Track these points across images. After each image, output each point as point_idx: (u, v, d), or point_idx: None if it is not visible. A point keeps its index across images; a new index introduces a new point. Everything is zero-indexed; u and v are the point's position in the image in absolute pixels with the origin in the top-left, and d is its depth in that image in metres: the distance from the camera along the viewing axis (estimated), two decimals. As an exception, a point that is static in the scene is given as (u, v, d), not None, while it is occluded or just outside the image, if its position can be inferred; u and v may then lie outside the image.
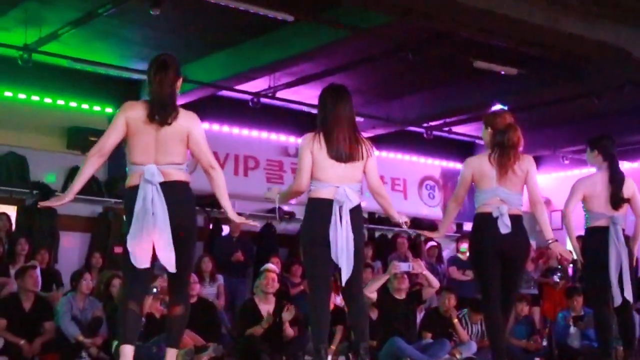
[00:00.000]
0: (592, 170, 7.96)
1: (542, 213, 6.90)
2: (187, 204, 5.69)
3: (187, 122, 5.59)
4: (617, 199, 7.44)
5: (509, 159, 6.57)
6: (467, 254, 9.82)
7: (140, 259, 5.37)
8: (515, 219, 6.60)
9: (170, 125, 5.46)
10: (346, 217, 5.92)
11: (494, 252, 6.66)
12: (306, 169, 6.02)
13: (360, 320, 6.29)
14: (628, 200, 7.50)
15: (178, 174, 5.56)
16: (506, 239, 6.56)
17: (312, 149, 5.99)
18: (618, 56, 9.70)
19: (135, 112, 5.51)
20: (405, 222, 6.49)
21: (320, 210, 6.00)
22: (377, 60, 11.60)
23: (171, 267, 5.44)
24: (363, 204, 6.10)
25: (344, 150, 5.98)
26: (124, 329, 5.55)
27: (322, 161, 5.98)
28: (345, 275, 5.95)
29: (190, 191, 5.70)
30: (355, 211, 6.02)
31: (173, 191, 5.50)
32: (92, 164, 5.51)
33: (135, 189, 5.42)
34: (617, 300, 7.34)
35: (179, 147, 5.56)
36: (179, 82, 5.69)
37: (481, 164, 6.73)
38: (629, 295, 7.32)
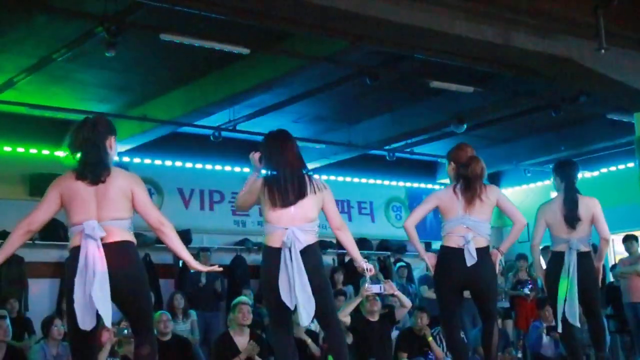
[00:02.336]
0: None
1: (517, 231, 7.02)
2: (130, 267, 5.49)
3: (129, 183, 5.48)
4: (571, 219, 7.51)
5: (475, 190, 6.71)
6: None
7: (87, 321, 5.20)
8: (481, 251, 6.68)
9: (106, 183, 5.35)
10: (297, 261, 5.94)
11: (459, 285, 6.81)
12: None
13: (337, 346, 6.31)
14: (579, 220, 7.54)
15: (121, 233, 5.40)
16: (472, 271, 6.64)
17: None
18: (570, 68, 9.75)
19: (68, 181, 5.37)
20: (369, 270, 6.40)
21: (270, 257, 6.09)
22: (335, 86, 11.60)
23: (108, 320, 5.28)
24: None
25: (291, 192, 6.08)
26: None
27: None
28: (305, 317, 5.97)
29: (133, 251, 5.52)
30: (307, 252, 6.00)
31: (116, 255, 5.33)
32: (19, 238, 5.34)
33: (77, 249, 5.23)
34: (572, 321, 7.41)
35: (122, 202, 5.42)
36: (111, 141, 5.53)
37: (447, 195, 6.85)
38: (572, 319, 7.38)
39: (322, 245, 14.53)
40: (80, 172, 5.32)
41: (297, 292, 5.91)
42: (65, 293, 5.46)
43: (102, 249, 5.22)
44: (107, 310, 5.22)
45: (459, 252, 6.62)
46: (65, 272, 5.48)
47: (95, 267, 5.18)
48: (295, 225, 5.96)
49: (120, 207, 5.39)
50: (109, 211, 5.33)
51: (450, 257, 6.71)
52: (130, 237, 5.46)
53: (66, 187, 5.35)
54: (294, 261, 5.90)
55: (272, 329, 6.42)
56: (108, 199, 5.34)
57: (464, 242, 6.60)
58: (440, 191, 7.17)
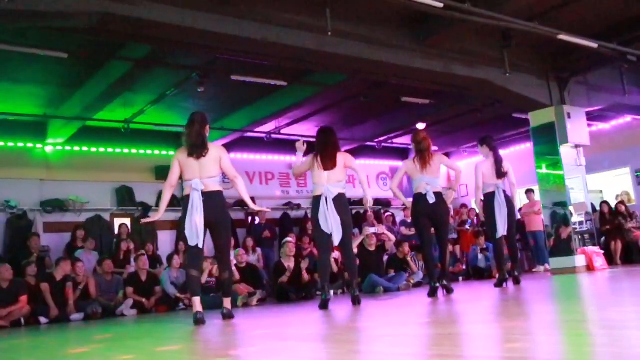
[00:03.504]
0: (481, 158, 8.26)
1: (458, 176, 7.36)
2: (220, 205, 5.63)
3: (218, 152, 5.72)
4: (500, 173, 7.65)
5: (425, 159, 6.92)
6: (410, 218, 9.96)
7: (194, 239, 5.43)
8: (438, 195, 6.85)
9: (205, 157, 5.61)
10: (331, 204, 6.23)
11: (426, 216, 6.91)
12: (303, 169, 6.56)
13: (351, 266, 6.55)
14: (506, 174, 7.73)
15: (214, 185, 5.60)
16: (433, 207, 6.82)
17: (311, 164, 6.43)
18: (488, 86, 9.74)
19: (182, 154, 5.63)
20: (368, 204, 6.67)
21: (316, 203, 6.34)
22: (341, 103, 11.64)
23: (202, 237, 5.43)
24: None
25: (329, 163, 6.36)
26: (191, 287, 5.64)
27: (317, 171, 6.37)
28: (337, 239, 6.25)
29: (222, 196, 5.69)
30: (337, 199, 6.28)
31: (210, 197, 5.54)
32: (168, 192, 5.64)
33: (188, 196, 5.49)
34: (501, 232, 7.56)
35: (214, 167, 5.63)
36: (206, 129, 5.74)
37: (410, 164, 7.05)
38: (503, 230, 7.56)
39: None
40: (189, 150, 5.60)
41: (332, 223, 6.21)
42: (182, 222, 5.59)
43: (201, 196, 5.48)
44: (202, 233, 5.46)
45: (423, 196, 6.82)
46: (183, 208, 5.59)
47: (197, 207, 5.45)
48: (329, 184, 6.31)
49: (212, 169, 5.62)
50: (206, 172, 5.58)
51: (418, 198, 6.88)
52: (219, 187, 5.67)
53: (182, 158, 5.61)
54: (329, 204, 6.23)
55: (317, 249, 6.57)
56: (205, 164, 5.59)
57: (425, 191, 6.81)
58: (406, 162, 7.27)
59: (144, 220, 6.20)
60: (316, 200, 6.35)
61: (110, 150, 12.19)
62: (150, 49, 8.19)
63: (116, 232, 11.57)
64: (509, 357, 2.29)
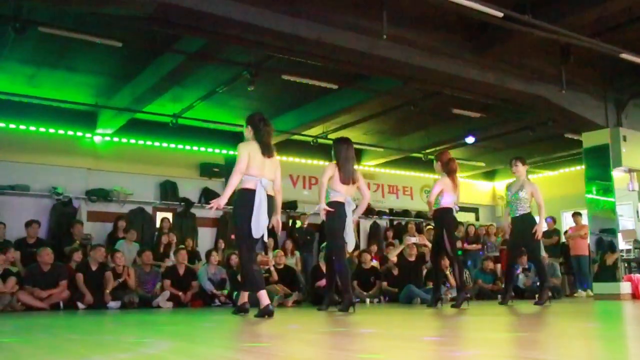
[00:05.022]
0: (531, 177, 8.07)
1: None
2: (272, 210, 5.67)
3: (277, 161, 5.75)
4: None
5: (455, 180, 7.45)
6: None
7: (259, 231, 5.40)
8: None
9: (271, 159, 5.62)
10: (350, 214, 6.49)
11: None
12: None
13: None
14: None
15: (271, 189, 5.64)
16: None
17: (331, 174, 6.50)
18: (542, 103, 9.58)
19: (252, 148, 5.55)
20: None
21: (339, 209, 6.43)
22: (390, 111, 11.51)
23: (266, 231, 5.47)
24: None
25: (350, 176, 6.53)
26: (256, 283, 5.47)
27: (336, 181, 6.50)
28: (350, 246, 6.55)
29: (273, 201, 5.71)
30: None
31: (269, 200, 5.55)
32: (236, 178, 5.48)
33: (253, 191, 5.44)
34: None
35: (274, 172, 5.66)
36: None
37: (448, 181, 7.38)
38: None
39: (379, 212, 14.68)
40: (262, 148, 5.58)
41: (348, 231, 6.42)
42: (239, 214, 5.51)
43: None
44: (265, 228, 5.46)
45: (451, 211, 7.31)
46: (243, 201, 5.46)
47: (264, 203, 5.44)
48: (349, 196, 6.53)
49: (272, 173, 5.65)
50: (268, 174, 5.59)
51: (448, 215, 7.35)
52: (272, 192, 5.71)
53: (252, 151, 5.55)
54: (348, 215, 6.43)
55: (340, 255, 6.46)
56: (269, 166, 5.61)
57: (456, 209, 7.40)
58: (443, 179, 7.47)
59: (211, 204, 5.95)
60: (339, 206, 6.45)
61: (157, 144, 12.28)
62: (204, 43, 8.22)
63: (157, 225, 11.63)
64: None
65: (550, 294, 7.54)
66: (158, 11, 6.46)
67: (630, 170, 10.31)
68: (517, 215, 7.64)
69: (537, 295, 7.78)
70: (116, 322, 5.76)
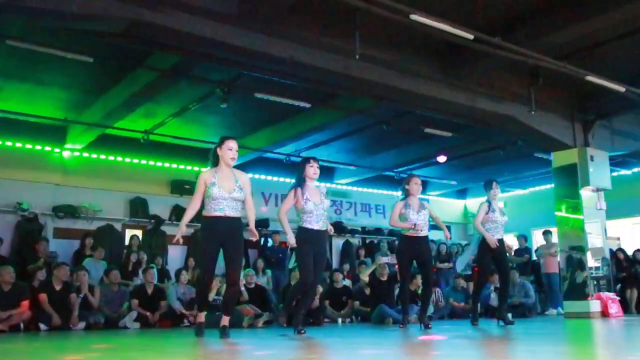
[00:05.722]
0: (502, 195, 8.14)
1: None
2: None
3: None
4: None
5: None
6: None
7: None
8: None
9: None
10: None
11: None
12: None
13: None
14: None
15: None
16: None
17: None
18: (512, 123, 9.64)
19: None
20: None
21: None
22: (363, 130, 11.56)
23: None
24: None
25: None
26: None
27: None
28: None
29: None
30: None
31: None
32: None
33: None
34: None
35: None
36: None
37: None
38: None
39: (351, 231, 14.63)
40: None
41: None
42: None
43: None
44: None
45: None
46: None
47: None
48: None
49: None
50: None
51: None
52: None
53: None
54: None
55: (308, 275, 6.19)
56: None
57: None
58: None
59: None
60: (307, 232, 6.19)
61: (127, 160, 12.14)
62: (177, 60, 8.16)
63: (127, 243, 11.45)
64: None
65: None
66: (130, 28, 6.39)
67: (597, 190, 10.45)
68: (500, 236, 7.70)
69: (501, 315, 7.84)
70: (80, 346, 5.58)
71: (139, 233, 11.76)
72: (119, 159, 12.05)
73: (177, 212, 12.21)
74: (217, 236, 5.47)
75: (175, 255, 12.23)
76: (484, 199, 7.99)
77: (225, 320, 5.73)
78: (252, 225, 5.82)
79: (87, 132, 10.93)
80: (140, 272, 10.18)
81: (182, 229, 5.60)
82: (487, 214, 7.70)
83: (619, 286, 11.62)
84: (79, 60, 7.96)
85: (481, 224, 7.70)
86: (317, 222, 6.21)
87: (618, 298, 10.33)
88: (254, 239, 5.78)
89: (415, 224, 7.09)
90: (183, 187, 12.46)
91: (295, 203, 6.23)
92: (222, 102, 9.19)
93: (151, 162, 12.38)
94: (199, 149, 12.20)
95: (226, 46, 6.98)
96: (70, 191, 11.45)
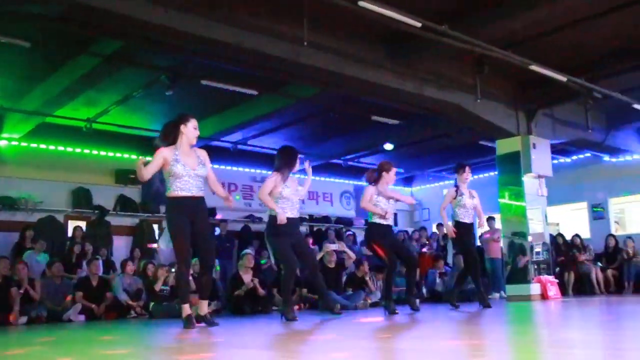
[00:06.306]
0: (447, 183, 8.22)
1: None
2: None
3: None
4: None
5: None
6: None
7: None
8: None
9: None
10: None
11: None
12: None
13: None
14: None
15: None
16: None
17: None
18: (458, 111, 9.73)
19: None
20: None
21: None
22: (310, 118, 11.54)
23: None
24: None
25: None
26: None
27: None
28: None
29: None
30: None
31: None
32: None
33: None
34: None
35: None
36: None
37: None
38: None
39: (300, 219, 14.60)
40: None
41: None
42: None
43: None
44: None
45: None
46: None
47: None
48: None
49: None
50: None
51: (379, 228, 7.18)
52: None
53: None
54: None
55: (291, 264, 6.19)
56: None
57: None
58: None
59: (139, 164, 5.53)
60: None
61: (69, 149, 11.79)
62: (120, 46, 7.93)
63: (69, 234, 11.16)
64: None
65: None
66: (69, 11, 6.15)
67: (539, 176, 10.69)
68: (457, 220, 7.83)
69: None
70: (23, 340, 5.39)
71: (82, 224, 11.47)
72: (60, 148, 11.70)
73: (122, 202, 11.94)
74: (187, 216, 5.33)
75: (121, 245, 12.01)
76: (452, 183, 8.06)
77: (204, 305, 5.67)
78: (221, 191, 5.78)
79: (25, 121, 10.56)
80: (84, 263, 9.96)
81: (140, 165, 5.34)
82: (454, 198, 7.75)
83: (557, 269, 11.95)
84: (15, 44, 7.63)
85: (453, 208, 7.74)
86: (292, 210, 6.26)
87: (556, 281, 10.64)
88: (231, 205, 5.88)
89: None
90: (128, 176, 12.16)
91: (273, 188, 6.22)
92: (168, 90, 9.03)
93: (94, 152, 12.06)
94: (143, 137, 11.97)
95: (171, 31, 6.79)
96: (8, 182, 11.05)
